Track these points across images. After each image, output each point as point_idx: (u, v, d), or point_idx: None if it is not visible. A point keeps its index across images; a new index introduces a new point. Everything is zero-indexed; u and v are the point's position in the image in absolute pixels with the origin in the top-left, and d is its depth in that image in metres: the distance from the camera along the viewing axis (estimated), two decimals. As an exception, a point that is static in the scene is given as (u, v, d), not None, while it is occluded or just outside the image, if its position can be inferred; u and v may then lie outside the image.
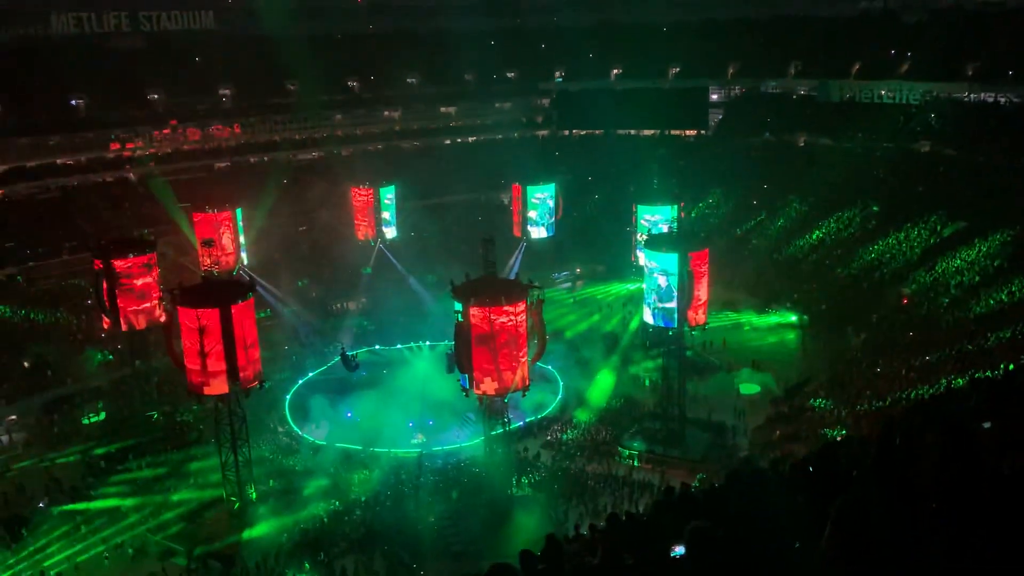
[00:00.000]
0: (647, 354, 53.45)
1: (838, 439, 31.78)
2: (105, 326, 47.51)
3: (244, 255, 61.57)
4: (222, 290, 38.68)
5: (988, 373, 33.13)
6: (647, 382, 51.65)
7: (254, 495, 39.87)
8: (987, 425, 7.32)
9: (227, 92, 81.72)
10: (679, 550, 6.47)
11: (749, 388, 49.89)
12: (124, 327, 46.49)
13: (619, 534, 10.21)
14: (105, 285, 45.74)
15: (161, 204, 63.94)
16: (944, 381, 36.49)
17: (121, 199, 69.81)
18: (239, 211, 61.02)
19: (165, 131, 77.46)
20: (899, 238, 61.73)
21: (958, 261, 54.93)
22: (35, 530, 37.74)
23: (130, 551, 36.49)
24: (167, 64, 77.91)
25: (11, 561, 35.81)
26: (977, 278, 52.20)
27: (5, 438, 46.31)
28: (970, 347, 41.51)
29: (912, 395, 36.98)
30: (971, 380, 33.32)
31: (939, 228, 60.27)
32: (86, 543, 37.13)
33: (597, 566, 6.50)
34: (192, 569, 35.34)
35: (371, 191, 66.64)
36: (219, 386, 37.71)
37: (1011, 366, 32.62)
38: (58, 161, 71.27)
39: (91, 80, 73.77)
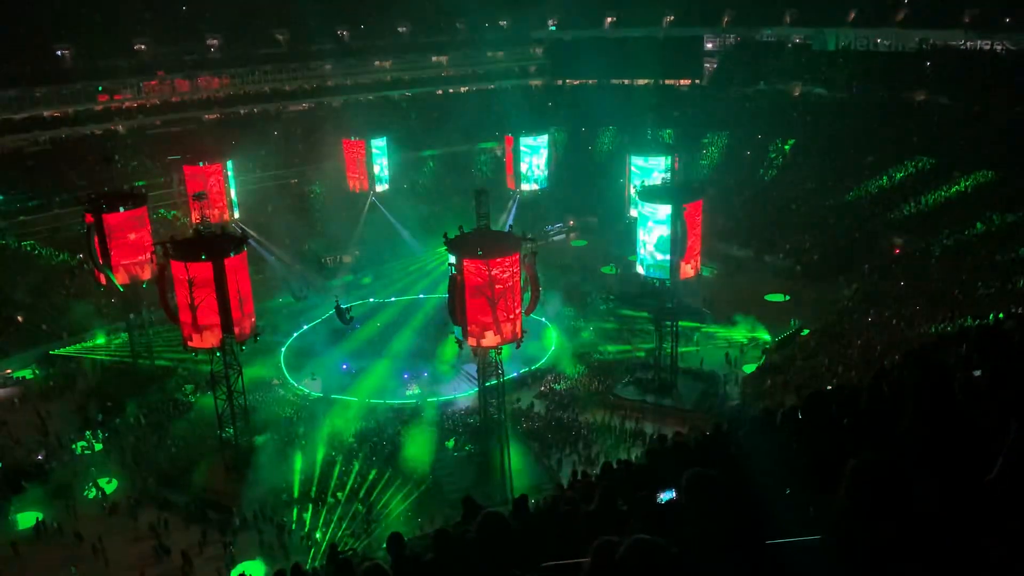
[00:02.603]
0: (640, 305, 53.67)
1: (828, 388, 32.12)
2: (100, 280, 47.26)
3: (235, 209, 61.20)
4: (215, 243, 38.49)
5: (977, 322, 33.40)
6: (639, 333, 51.96)
7: (251, 445, 40.24)
8: (977, 373, 7.42)
9: (215, 42, 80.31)
10: (665, 496, 6.62)
11: (741, 337, 50.24)
12: (122, 280, 46.30)
13: (613, 481, 10.40)
14: (97, 239, 45.47)
15: (151, 156, 63.19)
16: (934, 330, 36.79)
17: (111, 152, 69.08)
18: (230, 164, 60.46)
19: (153, 82, 76.29)
20: (892, 187, 61.67)
21: (950, 211, 54.95)
22: (33, 481, 38.13)
23: (128, 501, 36.92)
24: (154, 13, 76.52)
25: (12, 512, 36.29)
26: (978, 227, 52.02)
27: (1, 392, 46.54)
28: (961, 296, 41.78)
29: (902, 344, 37.28)
30: (961, 329, 33.67)
31: (933, 178, 60.18)
32: (84, 493, 37.63)
33: (592, 512, 6.63)
34: (190, 519, 35.83)
35: (362, 143, 66.19)
36: (208, 339, 37.72)
37: (1000, 315, 32.87)
38: (45, 113, 70.32)
39: (77, 30, 72.46)
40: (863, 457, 3.62)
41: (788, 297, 55.58)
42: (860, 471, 3.53)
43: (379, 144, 66.90)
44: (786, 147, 71.78)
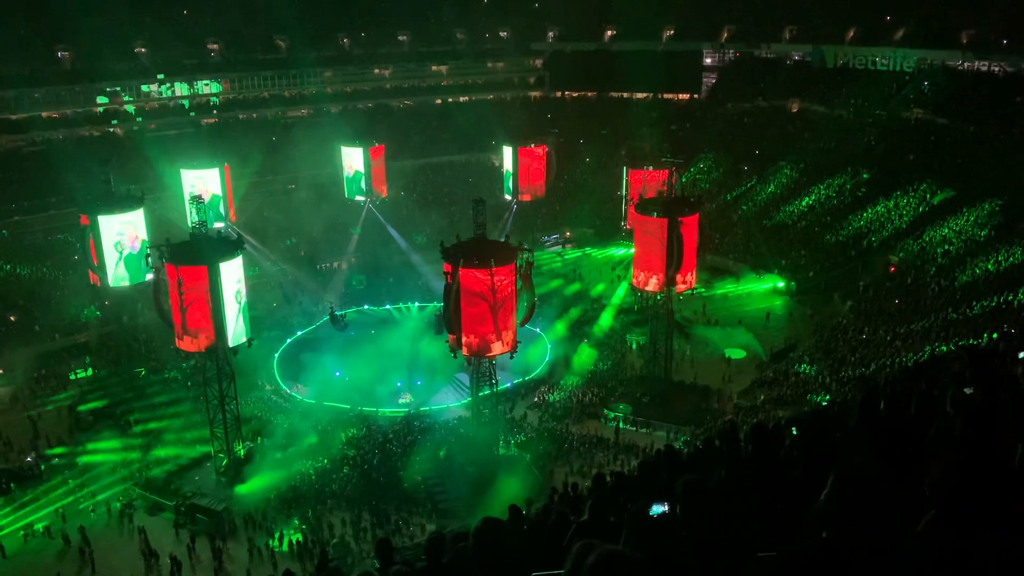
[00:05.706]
0: (634, 318, 53.75)
1: (822, 404, 32.15)
2: (93, 282, 47.16)
3: (232, 212, 61.04)
4: (211, 247, 38.39)
5: (972, 341, 33.46)
6: (634, 346, 51.98)
7: (242, 452, 40.08)
8: (969, 391, 7.42)
9: (215, 47, 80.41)
10: (657, 508, 6.57)
11: (735, 352, 50.25)
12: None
13: (605, 493, 10.36)
14: (92, 240, 45.41)
15: (149, 159, 63.13)
16: (929, 348, 36.81)
17: (108, 154, 68.98)
18: (225, 168, 60.23)
19: (152, 86, 76.37)
20: (888, 206, 61.81)
21: (945, 230, 55.09)
22: (23, 484, 37.89)
23: (117, 505, 36.69)
24: (154, 17, 76.52)
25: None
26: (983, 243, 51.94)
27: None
28: (955, 315, 41.83)
29: (897, 362, 37.32)
30: (955, 347, 33.71)
31: (928, 196, 60.36)
32: (73, 497, 37.34)
33: (583, 523, 6.59)
34: (180, 524, 35.64)
35: (360, 150, 66.05)
36: (195, 343, 37.49)
37: (995, 334, 32.93)
38: (43, 114, 70.24)
39: (76, 32, 72.40)
40: (847, 465, 3.62)
41: (783, 313, 55.60)
42: (844, 480, 3.54)
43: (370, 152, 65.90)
44: (785, 169, 71.79)
